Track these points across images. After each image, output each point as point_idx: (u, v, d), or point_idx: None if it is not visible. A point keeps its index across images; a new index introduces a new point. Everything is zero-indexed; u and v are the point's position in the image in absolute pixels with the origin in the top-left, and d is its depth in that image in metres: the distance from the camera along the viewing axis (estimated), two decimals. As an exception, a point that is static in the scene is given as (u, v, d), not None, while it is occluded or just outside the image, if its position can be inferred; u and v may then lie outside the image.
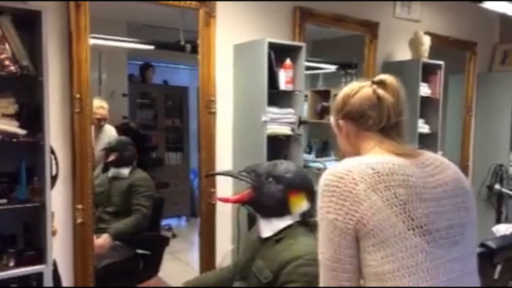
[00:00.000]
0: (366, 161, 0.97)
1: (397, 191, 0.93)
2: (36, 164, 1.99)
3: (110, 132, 3.27)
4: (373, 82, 1.08)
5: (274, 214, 1.53)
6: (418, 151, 1.08)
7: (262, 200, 1.54)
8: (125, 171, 2.91)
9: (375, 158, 1.00)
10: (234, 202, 1.62)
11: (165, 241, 3.15)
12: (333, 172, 0.97)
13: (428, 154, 1.07)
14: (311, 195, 1.52)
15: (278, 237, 1.51)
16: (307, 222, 1.52)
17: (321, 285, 0.97)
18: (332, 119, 1.15)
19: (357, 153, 1.10)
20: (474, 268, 1.05)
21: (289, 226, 1.52)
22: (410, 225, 0.92)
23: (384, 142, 1.05)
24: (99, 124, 3.09)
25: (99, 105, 3.09)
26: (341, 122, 1.11)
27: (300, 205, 1.52)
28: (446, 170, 1.05)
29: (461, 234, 1.01)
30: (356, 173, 0.94)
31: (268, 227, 1.54)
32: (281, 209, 1.53)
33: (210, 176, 2.58)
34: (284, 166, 1.57)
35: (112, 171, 2.94)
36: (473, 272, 1.04)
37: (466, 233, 1.02)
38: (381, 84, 1.07)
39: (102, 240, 2.62)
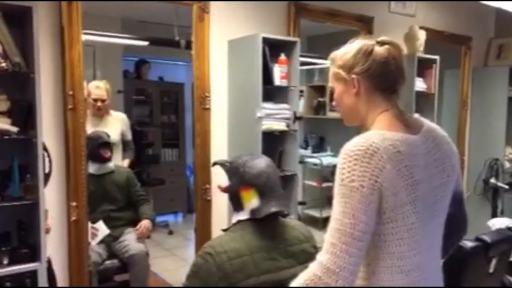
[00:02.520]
0: (387, 138, 1.01)
1: (413, 172, 1.00)
2: (29, 161, 1.97)
3: (122, 121, 3.10)
4: (381, 43, 1.09)
5: (233, 207, 1.53)
6: (419, 121, 1.12)
7: (228, 192, 1.55)
8: (112, 164, 2.78)
9: (394, 134, 1.03)
10: (222, 191, 1.61)
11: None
12: (362, 147, 0.98)
13: (427, 126, 1.10)
14: (262, 193, 1.45)
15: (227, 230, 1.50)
16: (257, 220, 1.44)
17: (336, 251, 0.96)
18: (338, 72, 1.12)
19: (362, 113, 1.11)
20: (441, 238, 1.13)
21: (239, 222, 1.47)
22: (415, 206, 1.01)
23: (392, 107, 1.09)
24: (97, 110, 2.88)
25: (95, 85, 2.89)
26: (355, 77, 1.08)
27: (250, 201, 1.46)
28: (441, 145, 1.10)
29: (441, 208, 1.10)
30: (383, 151, 0.98)
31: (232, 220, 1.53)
32: (235, 203, 1.51)
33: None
34: (243, 160, 1.51)
35: (97, 167, 2.69)
36: (440, 241, 1.14)
37: (443, 205, 1.10)
38: (390, 45, 1.09)
39: (148, 224, 2.76)
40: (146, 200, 2.89)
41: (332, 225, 0.98)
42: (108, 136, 2.79)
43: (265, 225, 1.44)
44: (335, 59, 1.13)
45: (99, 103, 2.89)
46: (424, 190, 1.03)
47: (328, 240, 0.98)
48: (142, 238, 2.75)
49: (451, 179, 1.11)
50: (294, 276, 1.19)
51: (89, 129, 2.66)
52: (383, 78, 1.08)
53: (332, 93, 1.21)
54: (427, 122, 1.13)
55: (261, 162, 1.50)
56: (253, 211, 1.45)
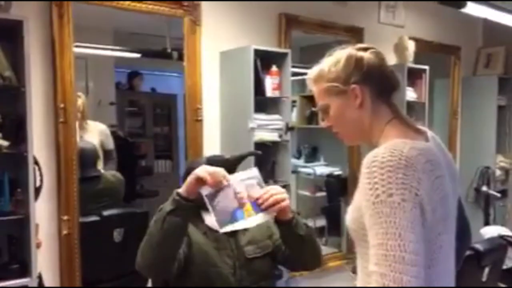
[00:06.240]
0: (412, 147, 0.89)
1: (443, 184, 0.91)
2: (19, 175, 1.96)
3: (100, 132, 3.02)
4: (363, 49, 1.03)
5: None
6: (420, 127, 1.05)
7: None
8: None
9: (416, 143, 0.93)
10: None
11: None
12: (393, 157, 0.86)
13: (430, 133, 1.03)
14: None
15: None
16: None
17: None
18: (334, 85, 1.01)
19: (366, 127, 1.01)
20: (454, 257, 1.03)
21: None
22: (445, 224, 0.91)
23: (397, 115, 1.01)
24: None
25: None
26: (356, 86, 0.98)
27: None
28: (445, 152, 1.03)
29: (454, 219, 1.00)
30: (415, 161, 0.87)
31: None
32: None
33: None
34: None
35: None
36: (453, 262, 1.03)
37: (455, 216, 1.01)
38: (373, 49, 1.04)
39: None
40: None
41: (375, 252, 0.83)
42: None
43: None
44: (323, 74, 1.04)
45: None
46: (451, 204, 0.93)
47: (375, 271, 0.82)
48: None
49: (456, 187, 1.03)
50: None
51: None
52: (383, 82, 1.00)
53: (316, 113, 1.12)
54: (426, 129, 1.06)
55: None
56: None
